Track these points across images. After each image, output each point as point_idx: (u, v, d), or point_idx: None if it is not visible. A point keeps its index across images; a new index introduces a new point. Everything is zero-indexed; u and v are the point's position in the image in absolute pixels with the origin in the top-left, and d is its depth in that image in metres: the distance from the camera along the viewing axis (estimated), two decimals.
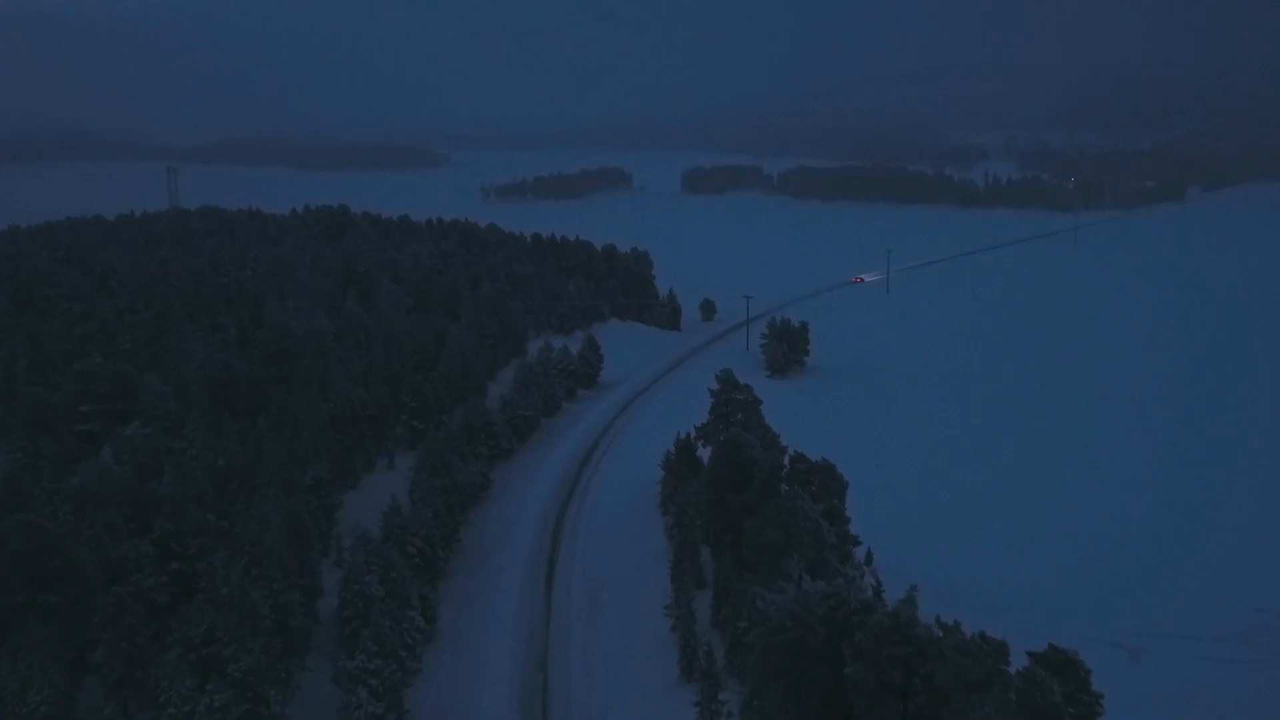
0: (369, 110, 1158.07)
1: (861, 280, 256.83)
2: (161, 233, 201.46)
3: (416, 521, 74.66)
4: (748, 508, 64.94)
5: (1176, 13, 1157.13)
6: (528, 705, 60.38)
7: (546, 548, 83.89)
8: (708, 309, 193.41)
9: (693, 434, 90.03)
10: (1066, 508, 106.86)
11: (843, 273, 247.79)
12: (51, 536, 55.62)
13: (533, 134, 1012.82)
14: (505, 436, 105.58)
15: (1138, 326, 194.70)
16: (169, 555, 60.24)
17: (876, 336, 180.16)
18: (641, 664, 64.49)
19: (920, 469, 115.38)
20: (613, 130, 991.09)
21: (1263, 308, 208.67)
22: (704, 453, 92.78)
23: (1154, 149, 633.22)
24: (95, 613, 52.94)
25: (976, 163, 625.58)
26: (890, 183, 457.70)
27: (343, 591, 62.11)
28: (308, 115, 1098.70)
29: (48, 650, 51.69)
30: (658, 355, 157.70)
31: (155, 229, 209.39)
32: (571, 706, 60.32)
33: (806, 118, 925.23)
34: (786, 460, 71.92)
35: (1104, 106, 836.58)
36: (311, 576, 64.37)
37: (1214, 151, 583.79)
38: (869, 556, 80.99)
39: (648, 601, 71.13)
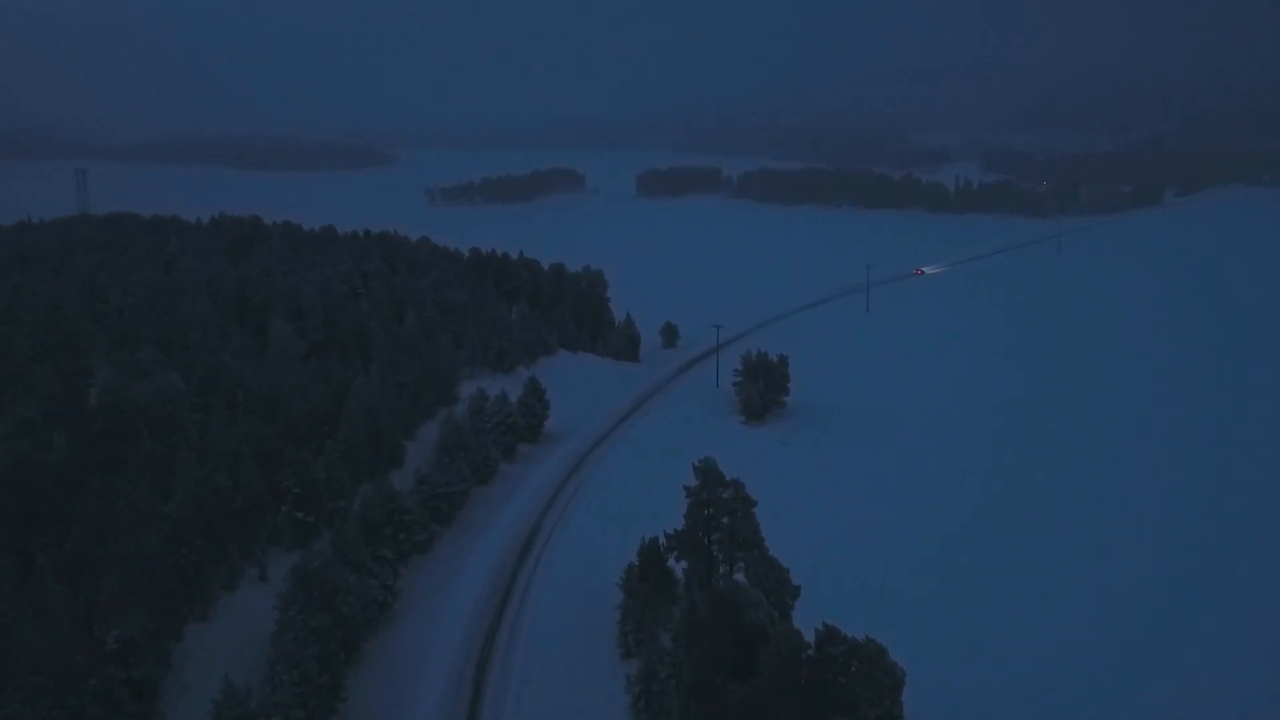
0: (317, 109, 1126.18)
1: (922, 272, 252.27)
2: (46, 246, 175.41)
3: (270, 705, 51.80)
4: (754, 709, 42.90)
5: (1138, 16, 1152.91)
6: None
7: (465, 709, 61.36)
8: (670, 334, 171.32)
9: (662, 541, 67.76)
10: (1111, 590, 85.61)
11: (820, 286, 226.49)
12: None
13: (483, 133, 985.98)
14: (421, 525, 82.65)
15: (1150, 341, 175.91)
16: None
17: (863, 365, 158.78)
18: None
19: (935, 548, 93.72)
20: (565, 129, 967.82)
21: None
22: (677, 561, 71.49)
23: (1119, 152, 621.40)
24: None
25: (940, 165, 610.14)
26: (856, 186, 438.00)
27: None
28: (254, 113, 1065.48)
29: None
30: (614, 395, 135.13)
31: (41, 241, 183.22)
32: None
33: (764, 118, 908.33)
34: (800, 613, 49.73)
35: (1067, 109, 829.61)
36: None
37: (1181, 155, 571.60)
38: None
39: None
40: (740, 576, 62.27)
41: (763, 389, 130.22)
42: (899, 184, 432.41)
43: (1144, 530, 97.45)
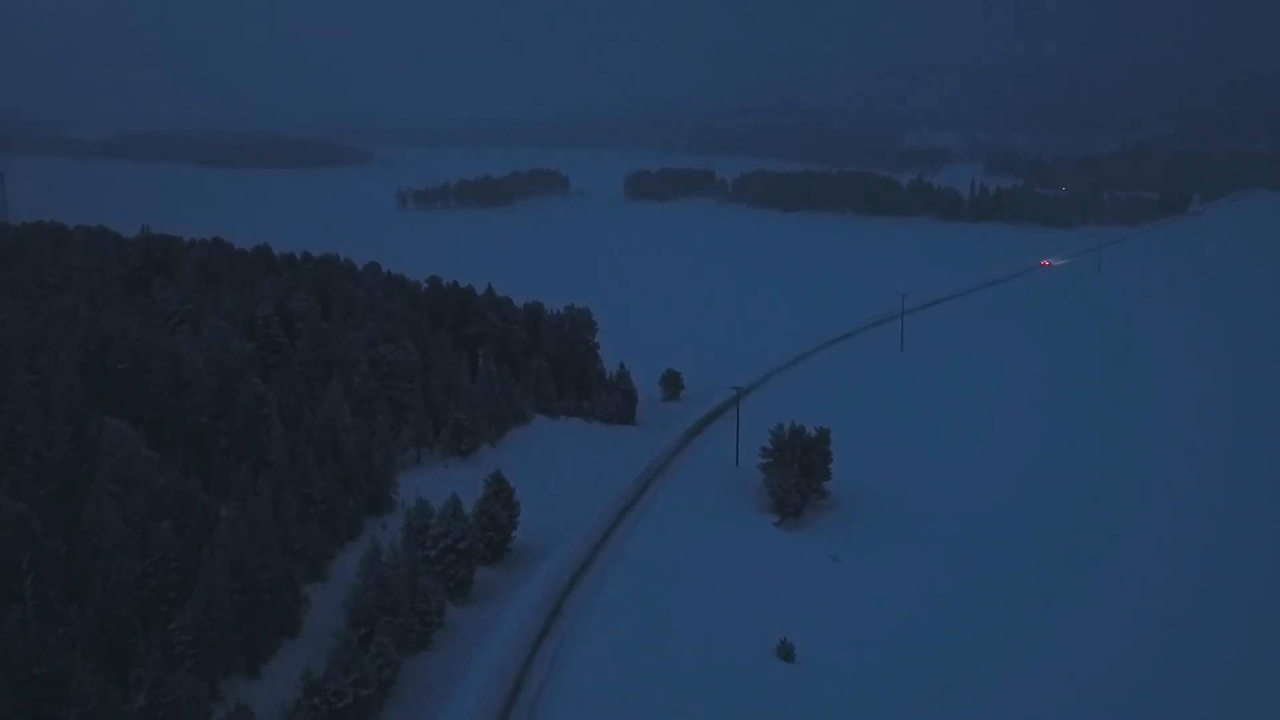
0: (290, 104, 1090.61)
1: (1049, 264, 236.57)
2: None
3: None
4: None
5: (1137, 14, 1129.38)
6: None
7: None
8: (671, 384, 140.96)
9: None
10: None
11: (839, 312, 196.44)
12: None
13: (463, 130, 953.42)
14: None
15: (1240, 393, 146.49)
16: None
17: (909, 426, 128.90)
18: None
19: None
20: (549, 127, 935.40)
21: None
22: None
23: (1129, 153, 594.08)
24: None
25: (941, 166, 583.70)
26: (860, 191, 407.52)
27: None
28: (223, 109, 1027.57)
29: None
30: (605, 478, 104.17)
31: None
32: None
33: (756, 115, 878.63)
34: None
35: (1067, 108, 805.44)
36: None
37: (1193, 157, 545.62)
38: None
39: None
40: None
41: (799, 475, 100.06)
42: (907, 189, 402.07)
43: None
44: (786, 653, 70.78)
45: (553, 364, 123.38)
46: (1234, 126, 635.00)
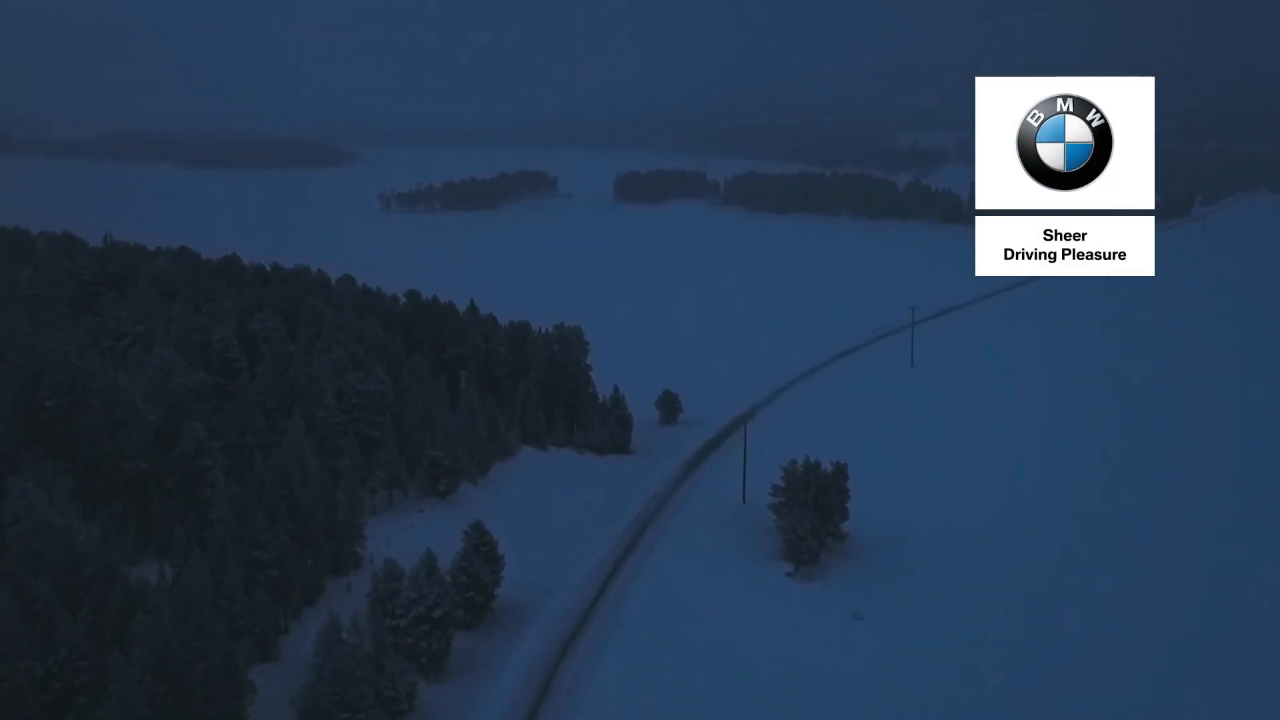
0: (274, 103, 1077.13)
1: None
2: None
3: None
4: None
5: (1129, 13, 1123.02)
6: None
7: None
8: (669, 406, 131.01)
9: None
10: None
11: (842, 324, 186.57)
12: None
13: (450, 130, 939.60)
14: None
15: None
16: None
17: (927, 455, 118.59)
18: None
19: None
20: (546, 127, 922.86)
21: None
22: None
23: None
24: None
25: (937, 167, 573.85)
26: (857, 193, 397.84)
27: None
28: (207, 107, 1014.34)
29: None
30: (599, 519, 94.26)
31: None
32: None
33: (750, 116, 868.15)
34: None
35: None
36: None
37: (1192, 159, 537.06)
38: None
39: None
40: None
41: (814, 518, 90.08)
42: (905, 191, 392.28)
43: None
44: None
45: (540, 388, 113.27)
46: (1234, 126, 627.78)
